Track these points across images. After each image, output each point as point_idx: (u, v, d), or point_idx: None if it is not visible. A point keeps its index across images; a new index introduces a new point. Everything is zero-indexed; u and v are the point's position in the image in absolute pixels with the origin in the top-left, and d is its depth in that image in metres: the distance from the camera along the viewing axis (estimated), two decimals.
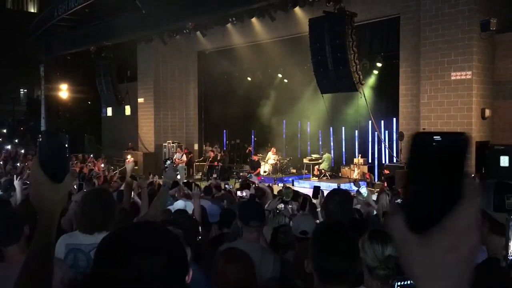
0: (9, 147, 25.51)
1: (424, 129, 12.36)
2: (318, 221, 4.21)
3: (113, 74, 20.10)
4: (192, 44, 19.55)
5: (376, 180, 14.78)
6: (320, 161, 16.69)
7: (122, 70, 21.13)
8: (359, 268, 1.90)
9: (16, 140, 31.55)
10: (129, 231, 1.05)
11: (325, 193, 3.94)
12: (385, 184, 10.29)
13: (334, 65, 12.42)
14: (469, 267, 0.61)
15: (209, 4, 15.27)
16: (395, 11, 13.78)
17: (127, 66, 21.73)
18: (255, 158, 18.51)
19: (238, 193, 9.19)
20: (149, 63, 20.68)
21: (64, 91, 25.08)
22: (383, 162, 15.37)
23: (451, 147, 0.61)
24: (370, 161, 16.02)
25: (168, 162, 4.55)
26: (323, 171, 16.32)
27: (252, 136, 20.98)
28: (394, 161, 14.09)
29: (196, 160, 19.90)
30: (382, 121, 15.35)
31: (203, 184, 10.94)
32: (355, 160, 15.85)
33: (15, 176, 6.52)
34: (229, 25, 16.72)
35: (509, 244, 1.72)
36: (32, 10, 46.38)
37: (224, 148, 20.79)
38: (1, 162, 15.98)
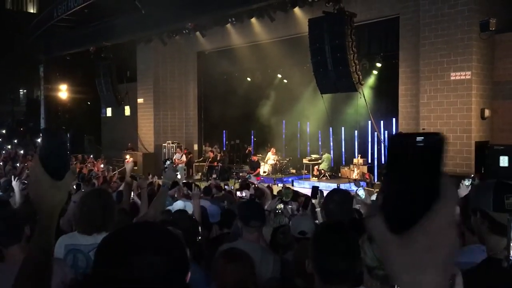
0: (9, 146, 25.51)
1: (423, 129, 12.37)
2: (317, 221, 4.21)
3: (113, 74, 20.10)
4: (191, 44, 19.56)
5: (375, 180, 14.79)
6: (319, 161, 16.69)
7: (121, 71, 21.13)
8: (359, 268, 1.90)
9: (16, 141, 31.52)
10: (129, 231, 1.05)
11: (325, 193, 3.95)
12: None
13: (333, 65, 12.42)
14: (448, 266, 0.62)
15: (208, 4, 15.27)
16: (395, 11, 13.78)
17: (126, 66, 21.73)
18: (254, 158, 18.51)
19: (238, 193, 9.20)
20: (149, 64, 20.69)
21: (63, 92, 25.07)
22: (383, 162, 15.37)
23: (427, 147, 0.61)
24: (369, 161, 16.02)
25: (168, 162, 4.54)
26: (322, 171, 16.32)
27: (252, 137, 20.98)
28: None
29: (195, 161, 19.90)
30: (382, 121, 15.36)
31: (202, 185, 10.94)
32: (355, 160, 15.86)
33: (12, 176, 6.51)
34: (228, 26, 16.73)
35: (511, 244, 1.72)
36: (32, 11, 46.38)
37: (224, 149, 20.79)
38: (1, 163, 15.98)
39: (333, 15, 12.41)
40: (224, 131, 21.42)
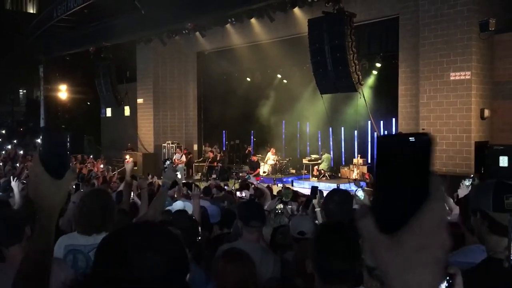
0: (9, 147, 25.50)
1: (423, 129, 12.37)
2: (316, 221, 4.21)
3: (113, 74, 20.09)
4: (191, 44, 19.56)
5: None
6: (319, 161, 16.70)
7: (121, 71, 21.13)
8: (359, 268, 1.91)
9: (15, 141, 31.51)
10: (128, 231, 1.05)
11: (325, 193, 3.94)
12: None
13: (333, 66, 12.42)
14: (439, 266, 0.61)
15: (208, 4, 15.27)
16: (394, 11, 13.79)
17: (126, 66, 21.73)
18: (254, 158, 18.51)
19: (238, 193, 9.20)
20: (148, 64, 20.69)
21: (63, 92, 25.06)
22: None
23: (416, 148, 0.62)
24: (369, 161, 16.03)
25: (168, 162, 4.53)
26: (322, 171, 16.32)
27: (252, 137, 20.98)
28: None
29: (195, 161, 19.90)
30: (382, 121, 15.36)
31: (202, 185, 10.94)
32: (355, 161, 15.86)
33: (11, 177, 6.50)
34: (228, 26, 16.73)
35: None
36: (31, 11, 46.37)
37: (224, 149, 20.79)
38: (0, 163, 15.97)
39: (332, 15, 12.41)
40: (223, 131, 21.42)
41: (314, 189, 8.88)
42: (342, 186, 12.28)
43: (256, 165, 18.12)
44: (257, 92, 18.91)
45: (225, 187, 10.51)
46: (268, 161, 17.89)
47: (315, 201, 6.58)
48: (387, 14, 14.03)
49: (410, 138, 0.62)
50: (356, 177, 14.59)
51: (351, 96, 14.67)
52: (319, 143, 18.24)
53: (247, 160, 19.41)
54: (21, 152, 21.25)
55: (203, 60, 20.48)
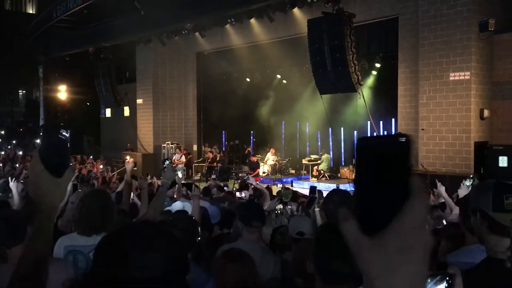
0: (9, 147, 25.49)
1: (422, 129, 12.39)
2: (316, 221, 4.21)
3: (112, 75, 20.09)
4: (190, 45, 19.56)
5: None
6: (319, 161, 16.69)
7: (121, 71, 21.12)
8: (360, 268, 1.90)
9: (15, 141, 31.49)
10: (127, 231, 1.04)
11: (324, 193, 3.94)
12: None
13: (333, 66, 12.42)
14: (423, 265, 0.61)
15: (207, 5, 15.27)
16: (394, 12, 13.79)
17: (126, 67, 21.73)
18: (253, 159, 18.51)
19: (237, 194, 9.20)
20: (148, 64, 20.69)
21: (63, 92, 25.05)
22: None
23: (394, 149, 0.62)
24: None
25: (167, 162, 4.53)
26: (322, 171, 16.32)
27: (251, 137, 20.98)
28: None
29: (195, 161, 19.90)
30: (381, 122, 15.36)
31: (202, 185, 10.94)
32: (354, 161, 15.82)
33: (9, 178, 6.49)
34: (227, 26, 16.73)
35: None
36: (31, 11, 46.34)
37: (223, 149, 20.79)
38: (0, 164, 15.95)
39: (332, 16, 12.41)
40: (223, 131, 21.42)
41: (313, 189, 8.86)
42: (342, 187, 12.28)
43: (256, 166, 18.12)
44: (256, 93, 18.91)
45: (225, 187, 10.51)
46: (268, 162, 17.88)
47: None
48: (387, 14, 14.04)
49: (388, 139, 0.63)
50: None
51: (350, 97, 14.67)
52: (319, 143, 18.24)
53: (247, 161, 19.41)
54: (21, 152, 21.24)
55: (202, 60, 20.48)
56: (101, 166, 17.20)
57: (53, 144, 1.22)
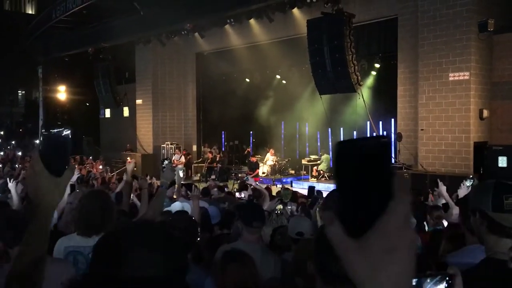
0: (9, 147, 25.48)
1: (422, 129, 12.39)
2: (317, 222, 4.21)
3: (111, 75, 20.08)
4: (190, 45, 19.55)
5: None
6: (318, 162, 16.69)
7: (120, 72, 21.12)
8: None
9: (14, 142, 31.48)
10: (126, 230, 1.04)
11: (324, 194, 3.94)
12: None
13: (332, 66, 12.42)
14: (410, 265, 0.61)
15: (207, 5, 15.27)
16: (393, 12, 13.81)
17: (125, 67, 21.72)
18: (253, 159, 18.51)
19: (237, 194, 9.20)
20: (147, 65, 20.68)
21: (62, 93, 25.04)
22: None
23: (374, 150, 0.62)
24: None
25: (166, 162, 4.51)
26: (321, 172, 16.31)
27: (251, 137, 20.97)
28: (393, 162, 14.10)
29: (194, 162, 19.89)
30: (380, 122, 15.36)
31: (201, 186, 10.94)
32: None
33: (8, 178, 6.49)
34: (227, 27, 16.73)
35: None
36: (30, 12, 46.31)
37: (223, 149, 20.79)
38: (0, 165, 15.95)
39: (331, 16, 12.41)
40: (223, 132, 21.42)
41: (311, 189, 8.86)
42: None
43: (255, 166, 18.12)
44: (256, 93, 18.92)
45: (225, 188, 10.51)
46: (267, 162, 17.88)
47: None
48: (386, 14, 14.05)
49: (366, 141, 0.63)
50: None
51: (350, 97, 14.67)
52: (318, 143, 18.23)
53: (246, 161, 19.40)
54: (20, 153, 21.23)
55: (202, 60, 20.48)
56: (101, 167, 17.19)
57: (54, 143, 1.22)
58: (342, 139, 0.66)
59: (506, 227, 1.81)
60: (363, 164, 0.61)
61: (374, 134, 11.21)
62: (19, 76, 37.82)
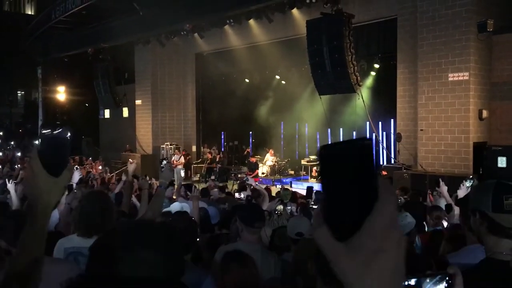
0: (8, 147, 25.45)
1: (421, 130, 12.40)
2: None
3: (111, 76, 20.06)
4: (189, 46, 19.55)
5: None
6: (318, 162, 16.67)
7: (119, 72, 21.09)
8: None
9: (13, 143, 31.43)
10: (120, 230, 1.04)
11: None
12: None
13: (332, 67, 12.42)
14: (399, 265, 0.62)
15: (206, 5, 15.26)
16: (392, 12, 13.81)
17: (124, 68, 21.71)
18: (253, 159, 18.51)
19: (236, 194, 9.20)
20: (147, 65, 20.68)
21: (61, 93, 25.03)
22: (381, 163, 15.38)
23: (356, 152, 0.62)
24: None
25: (164, 162, 4.51)
26: None
27: (250, 138, 20.98)
28: (392, 162, 14.10)
29: (194, 162, 19.89)
30: (380, 122, 15.36)
31: (201, 186, 10.94)
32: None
33: (7, 179, 6.49)
34: (226, 27, 16.73)
35: None
36: (30, 12, 46.26)
37: (222, 150, 20.79)
38: None
39: (331, 17, 12.41)
40: (222, 132, 21.42)
41: (310, 189, 8.84)
42: None
43: (255, 166, 18.12)
44: (255, 93, 18.92)
45: (225, 189, 10.50)
46: (267, 162, 17.88)
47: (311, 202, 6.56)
48: (385, 15, 14.06)
49: (349, 144, 0.63)
50: None
51: (349, 97, 14.67)
52: (318, 144, 18.23)
53: (246, 161, 19.41)
54: (19, 154, 21.20)
55: (201, 61, 20.48)
56: (100, 167, 17.18)
57: (52, 143, 1.22)
58: (326, 143, 0.66)
59: (506, 227, 1.81)
60: (346, 167, 0.62)
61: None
62: (19, 76, 37.76)
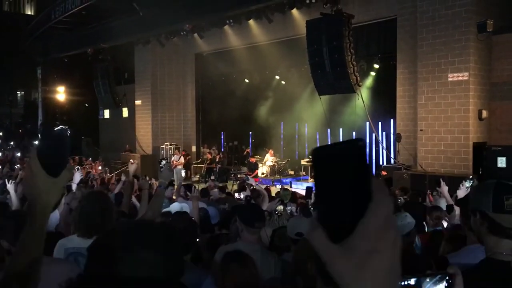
0: (8, 148, 25.45)
1: (421, 130, 12.40)
2: None
3: (111, 76, 20.05)
4: (189, 46, 19.55)
5: None
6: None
7: (119, 72, 21.09)
8: None
9: (12, 143, 31.44)
10: (119, 230, 1.04)
11: None
12: None
13: (331, 67, 12.43)
14: (394, 265, 0.61)
15: (206, 6, 15.27)
16: (392, 13, 13.82)
17: (124, 68, 21.71)
18: (252, 160, 18.51)
19: (236, 195, 9.20)
20: (147, 65, 20.68)
21: (61, 94, 25.03)
22: (381, 163, 15.38)
23: (349, 154, 0.62)
24: (367, 162, 16.00)
25: (164, 162, 4.51)
26: None
27: (250, 138, 20.98)
28: (392, 162, 14.10)
29: (194, 162, 19.89)
30: (380, 123, 15.37)
31: (201, 186, 10.94)
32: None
33: (6, 180, 6.49)
34: (226, 27, 16.73)
35: None
36: (29, 13, 46.27)
37: (222, 150, 20.80)
38: None
39: (330, 17, 12.41)
40: (222, 132, 21.42)
41: (309, 190, 8.84)
42: None
43: (255, 167, 18.12)
44: (255, 94, 18.93)
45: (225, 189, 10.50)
46: (267, 163, 17.88)
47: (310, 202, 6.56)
48: (385, 15, 14.06)
49: (342, 145, 0.63)
50: None
51: (349, 97, 14.67)
52: (318, 144, 18.19)
53: (246, 162, 19.41)
54: (19, 154, 21.20)
55: (201, 61, 20.48)
56: (100, 168, 17.18)
57: (52, 143, 1.21)
58: (317, 146, 0.66)
59: (506, 228, 1.81)
60: (339, 168, 0.62)
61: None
62: (18, 76, 37.75)
